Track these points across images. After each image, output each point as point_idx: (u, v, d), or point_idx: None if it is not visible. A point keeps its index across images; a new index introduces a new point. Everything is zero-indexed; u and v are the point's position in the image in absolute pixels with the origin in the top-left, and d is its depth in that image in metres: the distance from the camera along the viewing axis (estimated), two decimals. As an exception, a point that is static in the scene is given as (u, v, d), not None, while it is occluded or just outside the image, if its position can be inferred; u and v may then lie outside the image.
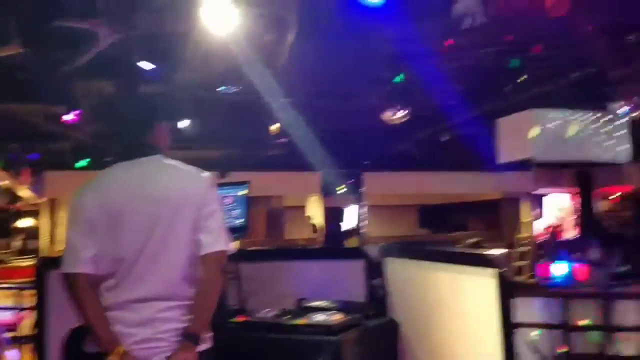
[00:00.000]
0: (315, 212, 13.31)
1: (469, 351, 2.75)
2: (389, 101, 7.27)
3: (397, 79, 6.11)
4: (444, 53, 5.43)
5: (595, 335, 6.64)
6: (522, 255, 11.33)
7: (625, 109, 5.97)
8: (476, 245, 10.43)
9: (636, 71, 5.67)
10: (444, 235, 14.20)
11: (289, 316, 2.94)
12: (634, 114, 6.19)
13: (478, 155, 8.22)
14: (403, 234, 14.66)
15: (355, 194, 13.42)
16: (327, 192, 12.07)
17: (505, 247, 8.99)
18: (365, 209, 12.99)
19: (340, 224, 13.51)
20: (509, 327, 2.55)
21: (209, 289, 2.11)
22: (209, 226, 2.11)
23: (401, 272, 3.32)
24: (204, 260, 2.09)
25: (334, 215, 12.62)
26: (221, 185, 2.98)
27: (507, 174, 7.91)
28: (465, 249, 6.00)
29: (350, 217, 12.78)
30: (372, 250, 3.53)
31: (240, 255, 3.18)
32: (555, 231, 12.84)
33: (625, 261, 7.96)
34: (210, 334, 2.17)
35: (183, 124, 7.86)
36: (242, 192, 3.47)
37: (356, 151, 10.49)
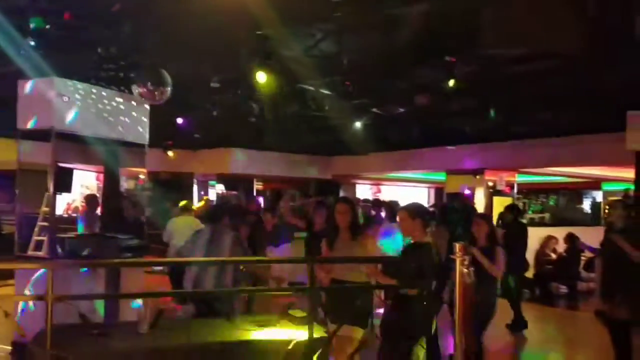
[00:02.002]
0: None
1: None
2: None
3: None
4: None
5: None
6: (43, 229, 10.77)
7: (140, 93, 6.42)
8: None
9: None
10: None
11: None
12: (148, 101, 6.70)
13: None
14: None
15: None
16: None
17: (21, 221, 8.41)
18: None
19: None
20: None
21: None
22: None
23: None
24: None
25: None
26: None
27: (27, 142, 7.39)
28: None
29: None
30: None
31: None
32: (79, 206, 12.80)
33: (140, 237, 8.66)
34: None
35: None
36: None
37: None
